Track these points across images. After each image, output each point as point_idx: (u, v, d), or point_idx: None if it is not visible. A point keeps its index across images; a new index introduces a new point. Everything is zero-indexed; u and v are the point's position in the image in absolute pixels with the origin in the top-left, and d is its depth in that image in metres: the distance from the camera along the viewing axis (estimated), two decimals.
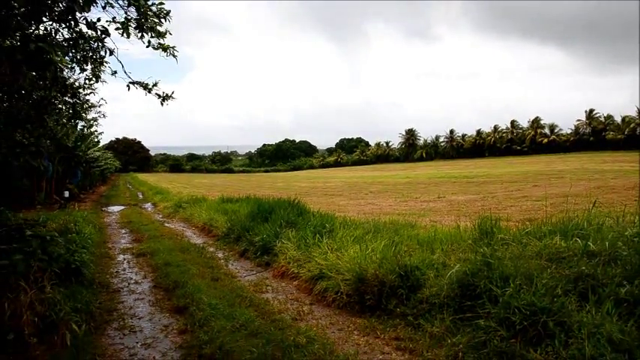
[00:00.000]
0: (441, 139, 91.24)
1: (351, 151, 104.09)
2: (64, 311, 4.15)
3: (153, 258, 7.36)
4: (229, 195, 14.82)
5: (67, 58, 5.12)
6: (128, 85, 5.37)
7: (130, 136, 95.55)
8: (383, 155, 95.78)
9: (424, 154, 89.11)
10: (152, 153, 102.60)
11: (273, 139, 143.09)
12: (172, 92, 5.53)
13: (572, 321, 3.28)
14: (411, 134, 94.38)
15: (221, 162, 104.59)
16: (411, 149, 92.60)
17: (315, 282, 5.44)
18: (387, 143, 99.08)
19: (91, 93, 6.70)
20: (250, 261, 7.28)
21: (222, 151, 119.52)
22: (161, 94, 5.46)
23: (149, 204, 19.71)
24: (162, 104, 5.48)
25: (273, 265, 6.68)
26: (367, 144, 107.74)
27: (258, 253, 7.26)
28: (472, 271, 4.10)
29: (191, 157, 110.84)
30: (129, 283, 6.08)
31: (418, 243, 5.60)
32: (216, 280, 6.02)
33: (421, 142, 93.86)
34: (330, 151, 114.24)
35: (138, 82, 5.41)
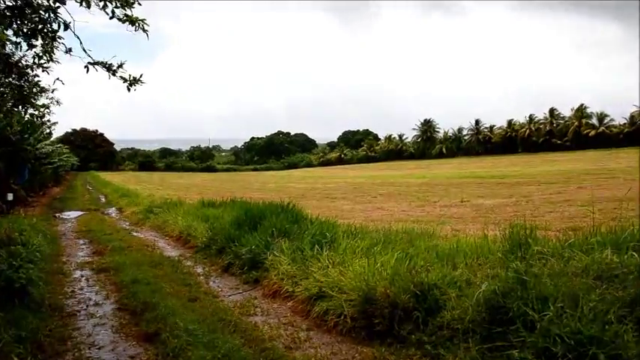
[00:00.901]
0: (465, 132, 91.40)
1: (357, 146, 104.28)
2: (3, 341, 4.09)
3: (117, 274, 7.31)
4: (211, 198, 14.80)
5: (9, 31, 5.07)
6: (87, 66, 5.30)
7: (91, 127, 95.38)
8: (395, 151, 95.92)
9: (444, 150, 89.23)
10: (117, 147, 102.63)
11: (264, 132, 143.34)
12: (141, 75, 5.47)
13: (629, 354, 3.22)
14: (428, 126, 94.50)
15: (201, 158, 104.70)
16: (429, 144, 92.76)
17: (314, 302, 5.40)
18: (400, 137, 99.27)
19: (42, 72, 6.63)
20: (235, 277, 7.25)
21: (202, 146, 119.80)
22: (128, 77, 5.40)
23: (113, 209, 19.68)
24: (129, 90, 5.42)
25: (262, 282, 6.64)
26: (376, 137, 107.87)
27: (245, 267, 7.22)
28: (503, 291, 4.05)
29: (165, 152, 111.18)
30: (87, 305, 6.03)
31: (437, 256, 5.55)
32: (194, 300, 5.97)
33: (440, 135, 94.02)
34: (331, 145, 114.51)
35: (99, 63, 5.35)
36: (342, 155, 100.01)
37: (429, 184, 28.47)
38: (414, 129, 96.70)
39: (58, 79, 6.35)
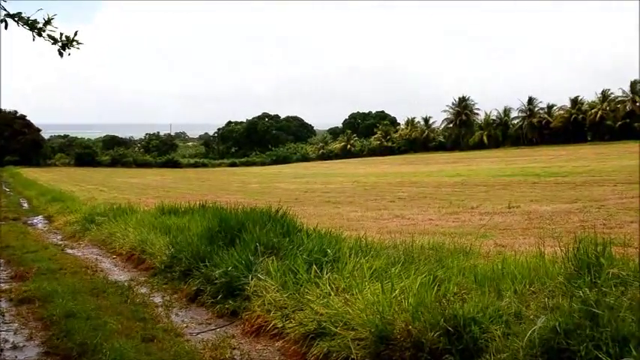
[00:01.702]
0: (513, 115, 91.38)
1: (368, 134, 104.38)
2: None
3: (45, 306, 7.28)
4: (173, 203, 14.77)
5: None
6: (4, 21, 5.29)
7: (7, 108, 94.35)
8: (419, 140, 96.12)
9: (485, 138, 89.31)
10: (46, 135, 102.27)
11: (243, 115, 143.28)
12: (76, 33, 5.45)
13: None
14: (464, 106, 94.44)
15: (160, 150, 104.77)
16: (465, 130, 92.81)
17: (311, 342, 5.40)
18: (426, 121, 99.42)
19: None
20: (206, 309, 7.24)
21: (161, 134, 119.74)
22: (59, 37, 5.39)
23: (40, 218, 19.67)
24: (61, 54, 5.40)
25: (242, 314, 6.63)
26: (393, 122, 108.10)
27: (220, 295, 7.21)
28: (566, 328, 4.05)
29: (111, 142, 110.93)
30: (2, 350, 6.03)
31: (476, 281, 5.56)
32: (150, 340, 5.96)
33: (480, 118, 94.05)
34: (334, 133, 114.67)
35: (18, 17, 5.33)
36: (349, 146, 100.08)
37: (465, 183, 28.47)
38: (444, 110, 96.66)
39: None
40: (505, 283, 5.35)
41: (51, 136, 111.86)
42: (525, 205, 16.89)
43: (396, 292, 5.32)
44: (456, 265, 6.16)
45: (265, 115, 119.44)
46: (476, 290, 5.28)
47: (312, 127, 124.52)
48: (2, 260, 11.07)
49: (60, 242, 13.73)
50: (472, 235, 10.33)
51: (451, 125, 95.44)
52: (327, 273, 6.34)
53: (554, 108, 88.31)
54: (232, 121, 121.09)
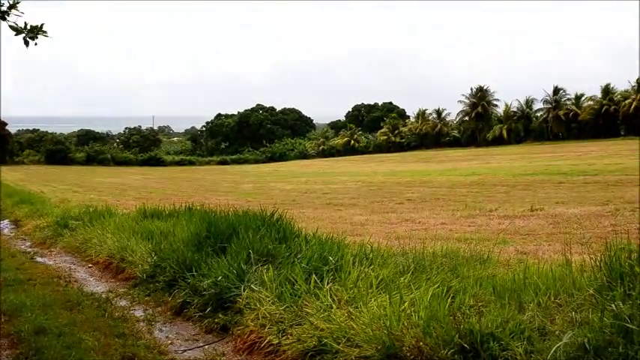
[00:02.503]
0: (537, 107, 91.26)
1: (375, 128, 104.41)
2: None
3: (12, 321, 7.28)
4: (156, 205, 14.78)
5: None
6: None
7: None
8: (431, 134, 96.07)
9: (505, 133, 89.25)
10: (13, 129, 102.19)
11: (235, 106, 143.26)
12: (42, 25, 5.46)
13: None
14: (481, 97, 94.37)
15: (141, 146, 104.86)
16: (482, 123, 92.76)
17: None
18: (439, 113, 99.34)
19: None
20: (193, 323, 7.25)
21: (142, 128, 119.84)
22: (22, 26, 5.40)
23: (5, 222, 19.66)
24: (27, 44, 5.42)
25: (234, 329, 6.64)
26: (402, 115, 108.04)
27: (208, 308, 7.23)
28: (596, 345, 4.06)
29: (86, 137, 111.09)
30: None
31: (494, 292, 5.57)
32: (130, 359, 5.98)
33: (500, 110, 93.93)
34: (335, 127, 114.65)
35: None
36: (353, 141, 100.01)
37: (482, 183, 28.45)
38: (460, 101, 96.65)
39: None
40: (527, 294, 5.36)
41: (18, 131, 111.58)
42: (550, 207, 16.88)
43: (406, 304, 5.33)
44: (472, 275, 6.17)
45: (259, 107, 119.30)
46: (495, 302, 5.28)
47: (312, 121, 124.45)
48: None
49: (29, 249, 13.74)
50: (490, 241, 10.32)
51: (467, 118, 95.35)
52: (328, 283, 6.35)
53: (583, 98, 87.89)
54: (222, 113, 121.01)
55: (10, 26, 5.36)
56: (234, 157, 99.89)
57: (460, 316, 4.88)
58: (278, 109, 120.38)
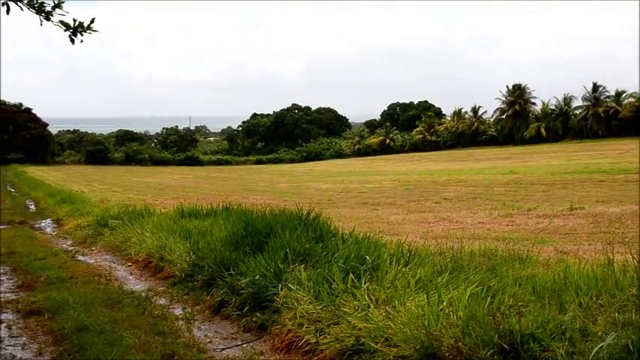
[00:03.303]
0: (575, 104, 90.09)
1: (410, 127, 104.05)
2: None
3: (55, 318, 7.39)
4: (194, 204, 14.89)
5: None
6: (6, 4, 5.38)
7: (12, 100, 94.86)
8: (467, 133, 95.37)
9: (543, 131, 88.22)
10: (54, 130, 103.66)
11: (271, 106, 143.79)
12: (92, 20, 5.54)
13: None
14: (518, 95, 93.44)
15: (179, 146, 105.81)
16: (520, 122, 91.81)
17: None
18: (475, 112, 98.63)
19: None
20: (231, 322, 7.27)
21: (180, 128, 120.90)
22: (70, 22, 5.48)
23: (48, 221, 19.96)
24: (72, 41, 5.49)
25: (272, 328, 6.65)
26: (438, 113, 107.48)
27: (246, 307, 7.24)
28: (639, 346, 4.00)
29: (125, 137, 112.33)
30: None
31: (534, 292, 5.53)
32: (170, 356, 6.02)
33: (538, 108, 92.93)
34: (371, 126, 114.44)
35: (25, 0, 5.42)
36: (388, 140, 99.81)
37: (520, 182, 28.19)
38: (497, 99, 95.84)
39: None
40: (568, 294, 5.30)
41: (59, 132, 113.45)
42: (590, 206, 16.68)
43: (444, 304, 5.31)
44: (510, 275, 6.11)
45: (295, 107, 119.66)
46: (534, 303, 5.24)
47: (347, 120, 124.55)
48: (8, 268, 11.26)
49: (70, 248, 13.92)
50: (529, 240, 10.24)
51: (504, 116, 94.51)
52: (365, 283, 6.34)
53: (624, 95, 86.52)
54: (258, 113, 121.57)
55: (61, 21, 5.43)
56: (270, 156, 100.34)
57: (499, 316, 4.84)
58: (313, 108, 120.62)
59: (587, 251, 9.12)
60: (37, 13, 5.44)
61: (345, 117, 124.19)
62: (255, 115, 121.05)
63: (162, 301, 8.38)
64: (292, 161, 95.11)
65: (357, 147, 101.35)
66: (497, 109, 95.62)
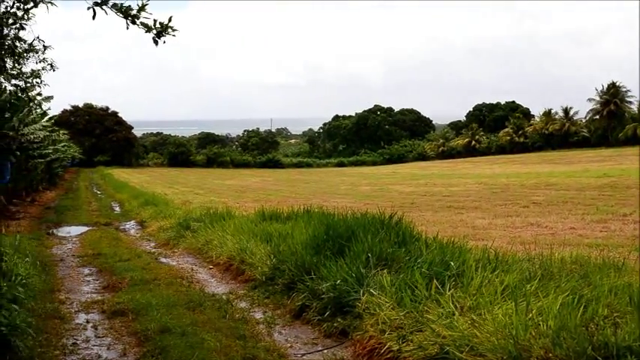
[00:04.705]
0: None
1: (497, 128, 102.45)
2: None
3: (139, 319, 7.60)
4: (274, 207, 15.01)
5: None
6: (92, 8, 5.53)
7: (99, 103, 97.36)
8: (558, 134, 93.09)
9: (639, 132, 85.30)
10: (138, 133, 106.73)
11: (352, 107, 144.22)
12: (170, 19, 5.65)
13: None
14: (613, 94, 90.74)
15: (260, 148, 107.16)
16: (614, 122, 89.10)
17: None
18: (567, 111, 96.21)
19: (21, 24, 6.92)
20: (312, 327, 7.32)
21: (261, 130, 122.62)
22: (152, 24, 5.61)
23: (132, 223, 20.46)
24: (156, 42, 5.63)
25: (353, 334, 6.66)
26: (526, 114, 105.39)
27: (327, 312, 7.28)
28: None
29: (206, 139, 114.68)
30: None
31: (631, 302, 5.37)
32: None
33: (634, 107, 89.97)
34: (456, 127, 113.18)
35: (111, 4, 5.57)
36: (474, 142, 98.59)
37: (615, 185, 27.35)
38: (590, 99, 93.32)
39: (37, 37, 6.66)
40: None
41: (143, 134, 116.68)
42: None
43: (533, 313, 5.22)
44: (605, 283, 5.95)
45: (377, 108, 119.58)
46: (632, 313, 5.10)
47: (431, 121, 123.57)
48: (95, 269, 11.66)
49: (153, 250, 14.26)
50: (625, 247, 9.98)
51: (597, 117, 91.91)
52: (449, 289, 6.30)
53: None
54: (340, 115, 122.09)
55: (142, 23, 5.58)
56: (351, 159, 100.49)
57: (593, 327, 4.73)
58: (396, 109, 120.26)
59: None
60: (124, 17, 5.59)
61: (428, 118, 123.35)
62: (337, 116, 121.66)
63: (242, 305, 8.51)
64: (374, 164, 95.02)
65: (441, 149, 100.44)
66: (591, 109, 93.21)
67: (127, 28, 5.60)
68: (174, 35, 5.70)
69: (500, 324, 5.18)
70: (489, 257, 7.30)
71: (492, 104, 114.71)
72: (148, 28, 5.60)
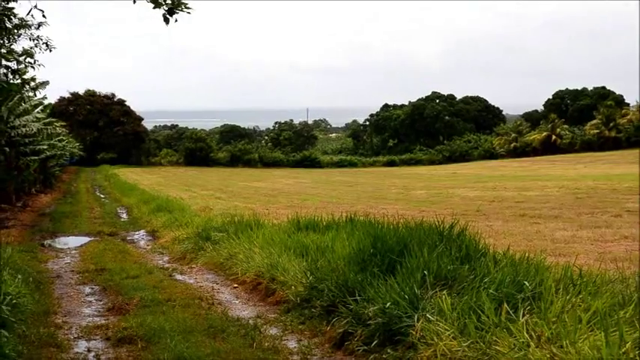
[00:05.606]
0: None
1: (581, 120, 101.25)
2: None
3: (150, 348, 7.66)
4: (311, 215, 15.01)
5: None
6: None
7: (102, 90, 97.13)
8: None
9: None
10: (149, 125, 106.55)
11: (404, 95, 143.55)
12: None
13: None
14: None
15: (293, 144, 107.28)
16: None
17: None
18: None
19: None
20: (357, 358, 7.31)
21: (295, 122, 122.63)
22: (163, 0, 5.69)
23: (142, 233, 20.63)
24: (167, 21, 5.70)
25: None
26: (620, 102, 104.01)
27: (375, 341, 7.25)
28: None
29: (230, 134, 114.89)
30: None
31: None
32: None
33: None
34: (531, 119, 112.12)
35: None
36: (554, 136, 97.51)
37: None
38: None
39: (35, 6, 6.80)
40: None
41: (155, 127, 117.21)
42: None
43: (627, 345, 5.17)
44: None
45: (435, 96, 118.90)
46: None
47: (501, 111, 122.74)
48: (97, 287, 11.74)
49: (167, 265, 14.35)
50: None
51: None
52: (523, 315, 6.25)
53: None
54: (390, 104, 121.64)
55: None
56: (403, 157, 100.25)
57: None
58: (458, 97, 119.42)
59: None
60: None
61: (497, 108, 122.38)
62: (386, 106, 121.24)
63: (273, 331, 8.51)
64: (431, 162, 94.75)
65: (512, 145, 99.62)
66: None
67: (134, 2, 5.67)
68: (189, 13, 5.76)
69: (587, 358, 5.14)
70: (572, 277, 7.24)
71: (576, 91, 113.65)
72: (157, 4, 5.66)
